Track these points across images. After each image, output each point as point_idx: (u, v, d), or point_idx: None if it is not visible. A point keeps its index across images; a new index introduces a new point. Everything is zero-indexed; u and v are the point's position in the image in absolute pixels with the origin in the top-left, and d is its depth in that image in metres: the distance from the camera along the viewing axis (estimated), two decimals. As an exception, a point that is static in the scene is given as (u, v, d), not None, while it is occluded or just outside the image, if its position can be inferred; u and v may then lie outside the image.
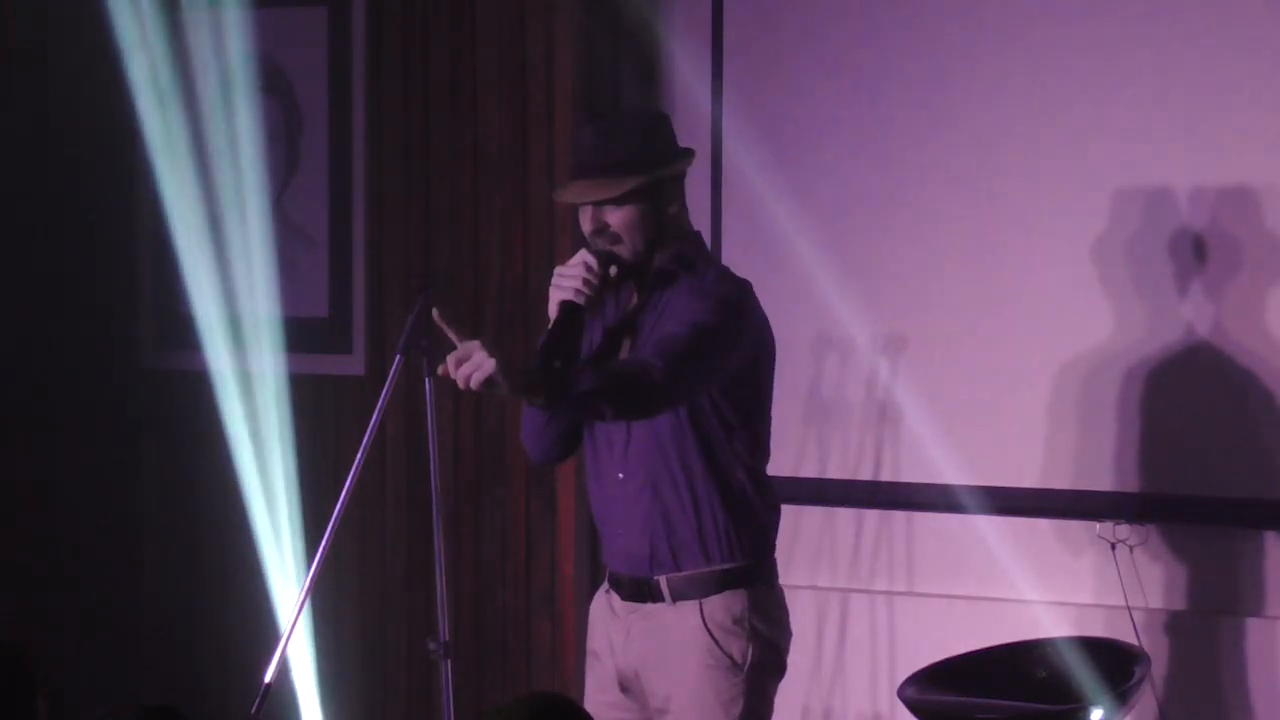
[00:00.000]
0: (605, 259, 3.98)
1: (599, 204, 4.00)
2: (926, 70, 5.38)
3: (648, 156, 4.00)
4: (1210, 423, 5.11)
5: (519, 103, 5.82)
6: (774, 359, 4.11)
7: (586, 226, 4.02)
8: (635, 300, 4.09)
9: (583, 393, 3.80)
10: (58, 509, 6.30)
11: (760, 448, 4.11)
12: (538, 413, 4.13)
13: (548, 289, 3.99)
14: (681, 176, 4.09)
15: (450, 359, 3.76)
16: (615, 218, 4.00)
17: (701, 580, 4.02)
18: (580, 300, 3.95)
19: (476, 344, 3.73)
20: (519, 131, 5.82)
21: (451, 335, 3.82)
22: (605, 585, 4.18)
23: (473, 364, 3.72)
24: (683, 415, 4.01)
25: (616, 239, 4.00)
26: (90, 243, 6.32)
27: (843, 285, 5.39)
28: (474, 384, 3.72)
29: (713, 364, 3.96)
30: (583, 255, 3.97)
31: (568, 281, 3.95)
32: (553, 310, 3.98)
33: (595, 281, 3.96)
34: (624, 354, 4.06)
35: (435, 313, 3.90)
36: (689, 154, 4.12)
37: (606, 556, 4.17)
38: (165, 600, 6.29)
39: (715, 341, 3.94)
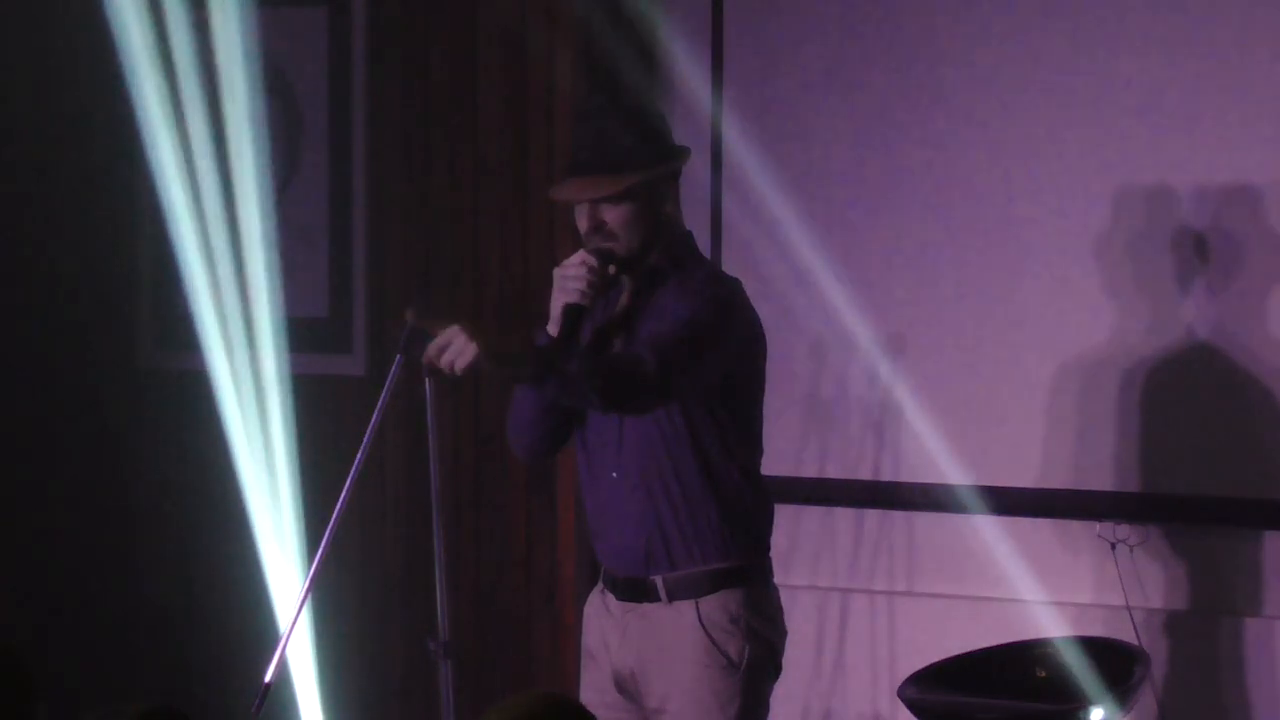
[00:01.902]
0: (604, 257, 3.98)
1: (596, 201, 3.99)
2: (926, 70, 5.38)
3: (645, 154, 3.99)
4: (1210, 423, 5.11)
5: (519, 103, 5.81)
6: (765, 356, 4.10)
7: (583, 224, 4.01)
8: (625, 299, 4.08)
9: (570, 373, 3.80)
10: (56, 509, 6.30)
11: (753, 446, 4.11)
12: (525, 408, 4.13)
13: (548, 289, 3.99)
14: (677, 175, 4.08)
15: (432, 347, 3.77)
16: (612, 215, 3.99)
17: (697, 579, 4.02)
18: (585, 302, 3.94)
19: (457, 329, 3.75)
20: (519, 131, 5.82)
21: (433, 331, 3.84)
22: (600, 585, 4.18)
23: (455, 349, 3.74)
24: (675, 414, 4.01)
25: (613, 236, 3.99)
26: (89, 242, 6.31)
27: (843, 285, 5.39)
28: (458, 369, 3.73)
29: (702, 361, 3.95)
30: (582, 255, 3.97)
31: (571, 283, 3.94)
32: (555, 312, 3.97)
33: (597, 281, 3.96)
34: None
35: (410, 315, 3.93)
36: (685, 152, 4.12)
37: (601, 556, 4.17)
38: (164, 600, 6.28)
39: (705, 338, 3.94)
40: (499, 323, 5.81)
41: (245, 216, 5.95)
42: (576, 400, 3.98)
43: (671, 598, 4.03)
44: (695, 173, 4.22)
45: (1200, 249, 5.09)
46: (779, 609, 4.12)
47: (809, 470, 5.52)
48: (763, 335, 4.09)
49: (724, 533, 4.02)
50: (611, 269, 4.00)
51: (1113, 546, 5.13)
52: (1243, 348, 5.06)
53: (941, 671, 4.87)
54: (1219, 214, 5.07)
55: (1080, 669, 4.73)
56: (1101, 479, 5.21)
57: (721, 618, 4.00)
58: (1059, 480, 5.25)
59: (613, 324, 4.09)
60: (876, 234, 5.46)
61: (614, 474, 4.06)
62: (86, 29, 5.98)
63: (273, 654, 4.49)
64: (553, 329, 3.98)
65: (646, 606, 4.05)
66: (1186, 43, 5.09)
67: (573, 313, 3.96)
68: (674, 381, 3.91)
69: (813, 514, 5.53)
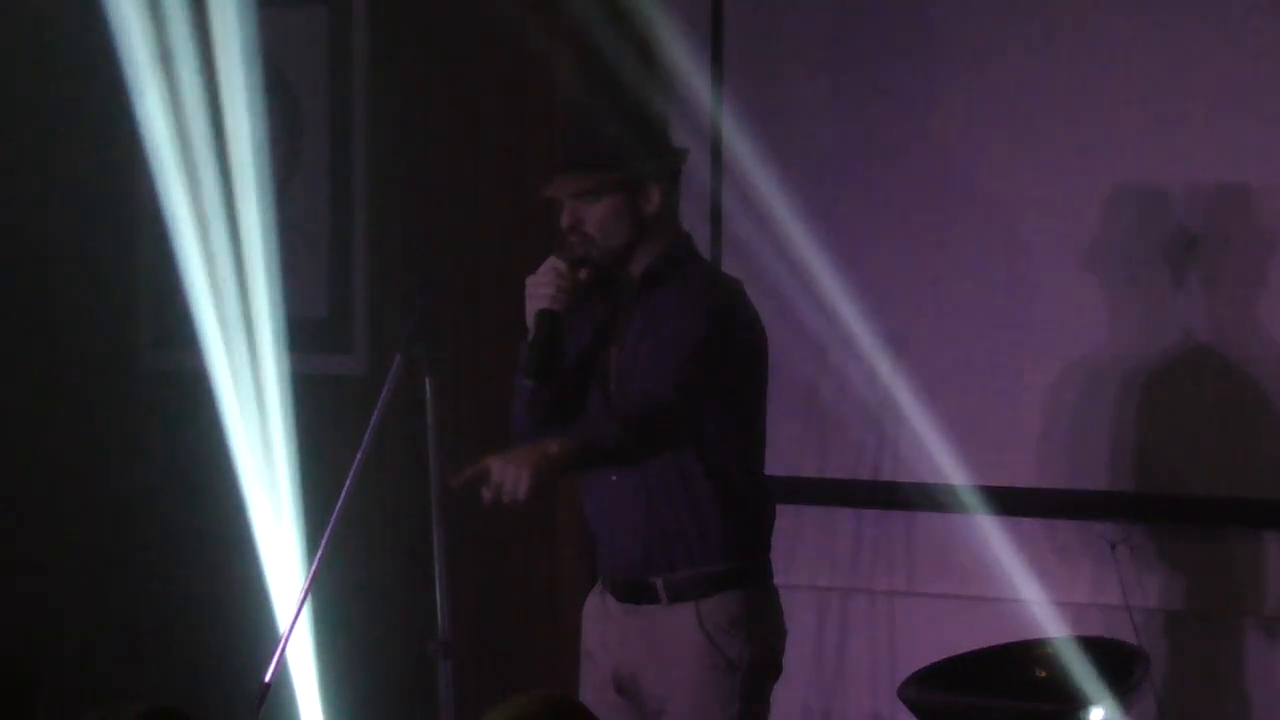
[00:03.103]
0: (574, 263, 3.97)
1: (574, 198, 3.98)
2: (925, 70, 5.38)
3: (624, 153, 3.97)
4: (1210, 423, 5.11)
5: (519, 103, 5.81)
6: (767, 359, 4.09)
7: (563, 221, 4.01)
8: (625, 303, 4.07)
9: (610, 451, 3.83)
10: (56, 508, 6.30)
11: (755, 447, 4.10)
12: (525, 417, 4.12)
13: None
14: (665, 175, 4.04)
15: (487, 495, 3.76)
16: (589, 214, 3.98)
17: (697, 581, 4.01)
18: (557, 307, 3.93)
19: (495, 462, 3.75)
20: (519, 131, 5.82)
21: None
22: (600, 586, 4.17)
23: (510, 484, 3.73)
24: (677, 415, 4.01)
25: (589, 236, 3.98)
26: (89, 242, 6.31)
27: (843, 285, 5.39)
28: (522, 497, 3.73)
29: (713, 379, 3.95)
30: (551, 262, 3.96)
31: (541, 289, 3.94)
32: (530, 320, 3.96)
33: (567, 285, 3.94)
34: (614, 359, 4.05)
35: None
36: (676, 153, 4.10)
37: (601, 557, 4.17)
38: (165, 600, 6.28)
39: (711, 355, 3.93)
40: (498, 323, 5.81)
41: (245, 216, 5.94)
42: (623, 467, 4.01)
43: (671, 599, 4.02)
44: (695, 172, 4.21)
45: (1198, 250, 5.08)
46: (779, 610, 4.12)
47: (809, 470, 5.52)
48: (764, 337, 4.08)
49: (724, 534, 4.02)
50: (583, 274, 3.98)
51: (1112, 547, 5.13)
52: (1241, 348, 5.06)
53: (941, 671, 4.87)
54: (1215, 214, 5.07)
55: (1080, 669, 4.73)
56: (1101, 479, 5.20)
57: (722, 619, 4.00)
58: (1059, 480, 5.25)
59: (612, 327, 4.08)
60: (876, 233, 5.46)
61: (614, 476, 4.06)
62: (86, 29, 5.98)
63: (273, 654, 4.49)
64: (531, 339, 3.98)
65: (646, 608, 4.05)
66: (1183, 43, 5.09)
67: (545, 318, 3.95)
68: (694, 409, 3.93)
69: (813, 514, 5.53)
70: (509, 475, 3.71)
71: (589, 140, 4.01)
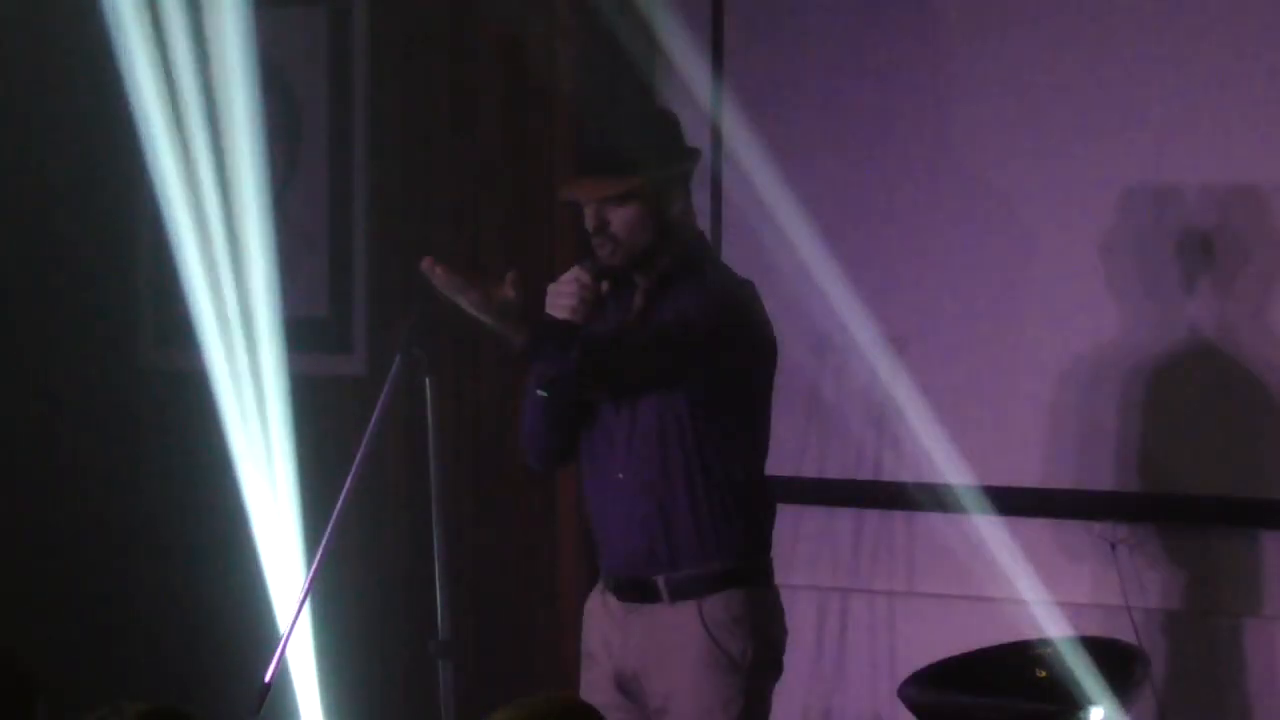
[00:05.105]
0: (597, 273, 3.97)
1: (601, 202, 3.99)
2: (928, 68, 5.38)
3: (651, 155, 3.99)
4: (1210, 423, 5.11)
5: (519, 103, 5.81)
6: (774, 361, 4.10)
7: (589, 224, 4.01)
8: (640, 301, 4.07)
9: (564, 369, 3.84)
10: (56, 509, 6.29)
11: (758, 447, 4.10)
12: (536, 418, 4.13)
13: (545, 290, 3.98)
14: (687, 177, 4.07)
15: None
16: (617, 217, 3.99)
17: (699, 580, 4.02)
18: (576, 318, 3.92)
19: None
20: (519, 131, 5.82)
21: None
22: (601, 585, 4.18)
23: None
24: (683, 414, 4.01)
25: (616, 238, 3.99)
26: (89, 242, 6.31)
27: (844, 284, 5.38)
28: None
29: (695, 354, 3.94)
30: (575, 271, 3.95)
31: (563, 299, 3.93)
32: None
33: (589, 297, 3.94)
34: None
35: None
36: (695, 154, 4.11)
37: (603, 556, 4.17)
38: (165, 600, 6.28)
39: (703, 336, 3.93)
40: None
41: (245, 216, 5.94)
42: (573, 386, 3.99)
43: (674, 598, 4.03)
44: (696, 171, 4.22)
45: (1205, 248, 5.08)
46: (780, 609, 4.13)
47: (809, 470, 5.52)
48: (773, 339, 4.09)
49: (727, 533, 4.02)
50: (605, 285, 3.98)
51: (1113, 546, 5.13)
52: (1245, 347, 5.06)
53: (941, 671, 4.87)
54: (1224, 214, 5.06)
55: (1080, 669, 4.73)
56: (1102, 479, 5.20)
57: (724, 618, 4.00)
58: (1060, 480, 5.25)
59: (628, 327, 4.07)
60: (878, 232, 5.46)
61: (620, 475, 4.06)
62: (86, 30, 5.98)
63: (273, 654, 4.48)
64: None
65: (648, 607, 4.05)
66: (1193, 40, 5.08)
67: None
68: (668, 365, 3.91)
69: (813, 514, 5.53)
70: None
71: (614, 143, 4.01)
